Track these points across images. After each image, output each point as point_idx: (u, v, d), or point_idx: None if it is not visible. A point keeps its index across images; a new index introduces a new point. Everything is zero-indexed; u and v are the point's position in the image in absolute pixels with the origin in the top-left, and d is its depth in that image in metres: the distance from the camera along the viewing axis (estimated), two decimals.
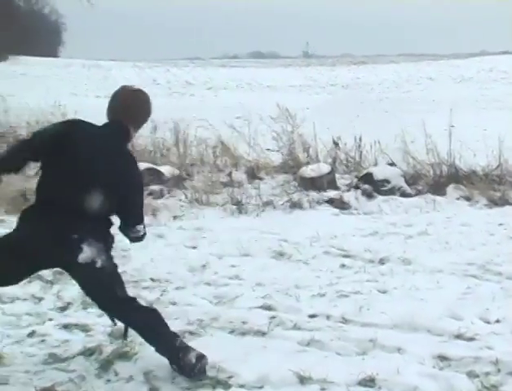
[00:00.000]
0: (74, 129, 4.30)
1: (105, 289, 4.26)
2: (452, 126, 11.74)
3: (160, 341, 4.36)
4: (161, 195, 10.43)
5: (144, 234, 4.45)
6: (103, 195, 4.15)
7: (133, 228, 4.38)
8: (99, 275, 4.20)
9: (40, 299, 5.88)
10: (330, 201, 9.87)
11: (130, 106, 4.41)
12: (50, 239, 4.08)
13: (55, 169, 4.19)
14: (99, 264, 4.17)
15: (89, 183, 4.14)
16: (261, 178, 11.45)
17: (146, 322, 4.34)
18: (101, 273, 4.19)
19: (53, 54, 79.16)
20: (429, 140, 11.01)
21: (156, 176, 10.99)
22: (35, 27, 72.75)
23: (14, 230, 4.29)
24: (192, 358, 4.26)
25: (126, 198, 4.26)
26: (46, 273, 6.57)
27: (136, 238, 4.45)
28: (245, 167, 12.00)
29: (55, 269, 6.72)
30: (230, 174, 11.34)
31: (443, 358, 4.51)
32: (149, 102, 4.51)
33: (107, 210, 4.24)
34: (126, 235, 4.43)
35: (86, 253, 4.14)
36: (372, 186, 10.46)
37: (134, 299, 4.41)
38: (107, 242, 4.31)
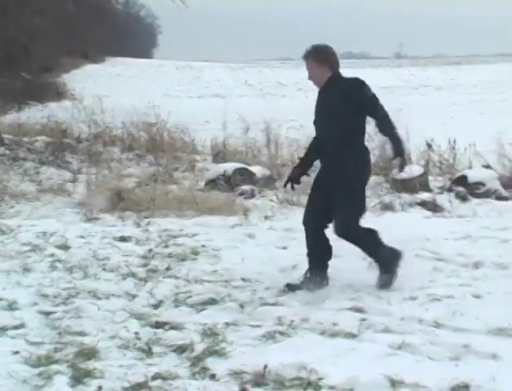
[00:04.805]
0: None
1: None
2: None
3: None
4: (252, 195, 10.51)
5: None
6: None
7: None
8: None
9: (134, 296, 5.99)
10: (423, 204, 9.73)
11: None
12: None
13: None
14: None
15: None
16: None
17: None
18: None
19: (147, 55, 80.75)
20: None
21: (248, 176, 11.09)
22: (131, 29, 74.44)
23: None
24: None
25: None
26: (140, 270, 6.73)
27: None
28: None
29: (148, 267, 6.91)
30: None
31: None
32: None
33: None
34: None
35: None
36: (466, 188, 10.29)
37: None
38: None
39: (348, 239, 6.13)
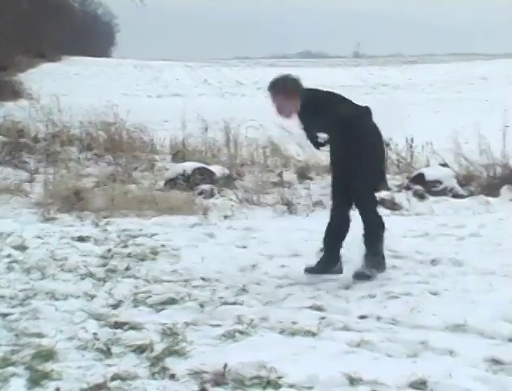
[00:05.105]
0: None
1: None
2: (507, 126, 11.55)
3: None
4: (211, 194, 10.50)
5: None
6: None
7: None
8: None
9: (92, 296, 5.94)
10: (381, 202, 9.76)
11: None
12: None
13: None
14: None
15: None
16: (311, 178, 11.45)
17: None
18: None
19: (106, 54, 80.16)
20: (482, 141, 10.86)
21: (207, 175, 11.07)
22: (88, 28, 73.81)
23: None
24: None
25: None
26: (99, 270, 6.68)
27: None
28: (295, 167, 12.01)
29: (107, 267, 6.86)
30: (280, 174, 11.35)
31: (495, 361, 4.43)
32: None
33: None
34: None
35: None
36: (424, 187, 10.39)
37: None
38: None
39: (362, 212, 6.32)
